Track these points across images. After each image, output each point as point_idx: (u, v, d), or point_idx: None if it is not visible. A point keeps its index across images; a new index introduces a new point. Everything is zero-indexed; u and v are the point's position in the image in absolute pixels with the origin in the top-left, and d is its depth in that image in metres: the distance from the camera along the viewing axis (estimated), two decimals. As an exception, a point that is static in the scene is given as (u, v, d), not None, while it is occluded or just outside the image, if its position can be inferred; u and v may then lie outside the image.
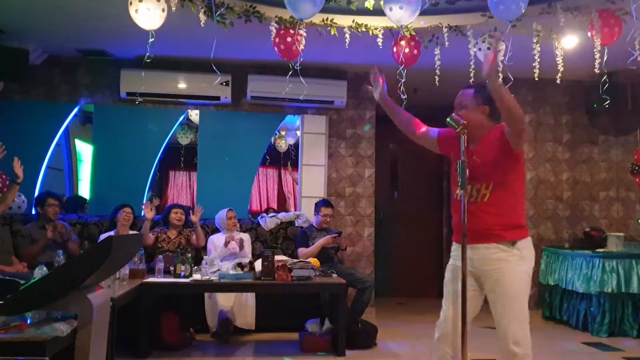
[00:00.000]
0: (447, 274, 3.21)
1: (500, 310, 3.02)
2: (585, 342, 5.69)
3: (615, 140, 7.35)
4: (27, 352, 2.53)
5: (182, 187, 10.15)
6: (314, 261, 5.48)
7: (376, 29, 4.96)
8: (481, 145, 3.12)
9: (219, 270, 5.28)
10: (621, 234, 6.48)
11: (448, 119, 3.04)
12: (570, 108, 7.28)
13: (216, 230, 6.15)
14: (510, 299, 3.00)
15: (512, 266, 3.01)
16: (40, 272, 3.38)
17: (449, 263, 3.24)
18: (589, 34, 4.74)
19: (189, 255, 5.37)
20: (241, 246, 5.85)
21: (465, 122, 3.00)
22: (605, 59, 4.75)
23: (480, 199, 3.05)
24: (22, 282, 3.92)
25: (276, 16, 4.76)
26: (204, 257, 5.51)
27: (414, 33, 4.95)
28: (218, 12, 4.51)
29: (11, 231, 5.68)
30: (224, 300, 5.42)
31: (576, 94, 7.15)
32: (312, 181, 6.87)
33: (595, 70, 4.83)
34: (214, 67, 4.86)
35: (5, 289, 3.70)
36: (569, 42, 5.13)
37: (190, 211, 6.05)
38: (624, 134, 7.32)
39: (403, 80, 4.91)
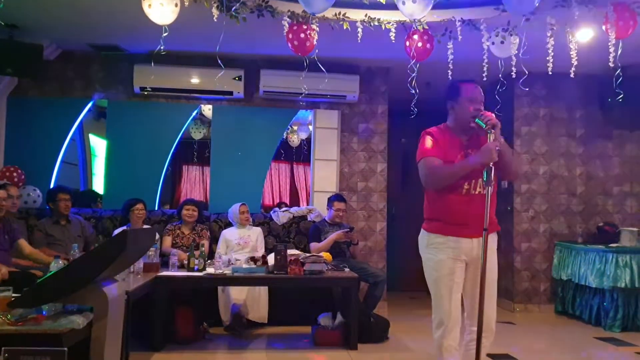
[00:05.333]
0: (443, 270, 3.23)
1: (483, 294, 3.08)
2: (598, 337, 5.67)
3: (630, 135, 7.28)
4: (44, 344, 2.56)
5: (195, 182, 10.18)
6: (326, 255, 5.49)
7: (389, 23, 4.95)
8: (472, 139, 3.26)
9: (232, 264, 5.31)
10: (635, 229, 6.43)
11: (477, 119, 3.12)
12: (584, 102, 7.21)
13: (229, 225, 6.18)
14: (494, 285, 3.23)
15: (495, 255, 3.29)
16: (56, 265, 3.42)
17: (442, 258, 3.25)
18: (604, 27, 4.69)
19: (203, 249, 5.41)
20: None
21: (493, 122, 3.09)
22: (619, 52, 4.70)
23: (479, 191, 3.18)
24: (39, 275, 3.97)
25: (289, 10, 4.76)
26: (217, 251, 5.54)
27: (426, 27, 4.93)
28: (233, 8, 4.52)
29: (27, 225, 5.75)
30: (237, 294, 5.46)
31: (590, 88, 7.08)
32: (324, 176, 6.88)
33: (609, 64, 4.76)
34: (219, 62, 4.86)
35: (22, 283, 3.76)
36: (583, 35, 5.08)
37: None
38: (638, 129, 7.25)
39: (415, 74, 4.90)
